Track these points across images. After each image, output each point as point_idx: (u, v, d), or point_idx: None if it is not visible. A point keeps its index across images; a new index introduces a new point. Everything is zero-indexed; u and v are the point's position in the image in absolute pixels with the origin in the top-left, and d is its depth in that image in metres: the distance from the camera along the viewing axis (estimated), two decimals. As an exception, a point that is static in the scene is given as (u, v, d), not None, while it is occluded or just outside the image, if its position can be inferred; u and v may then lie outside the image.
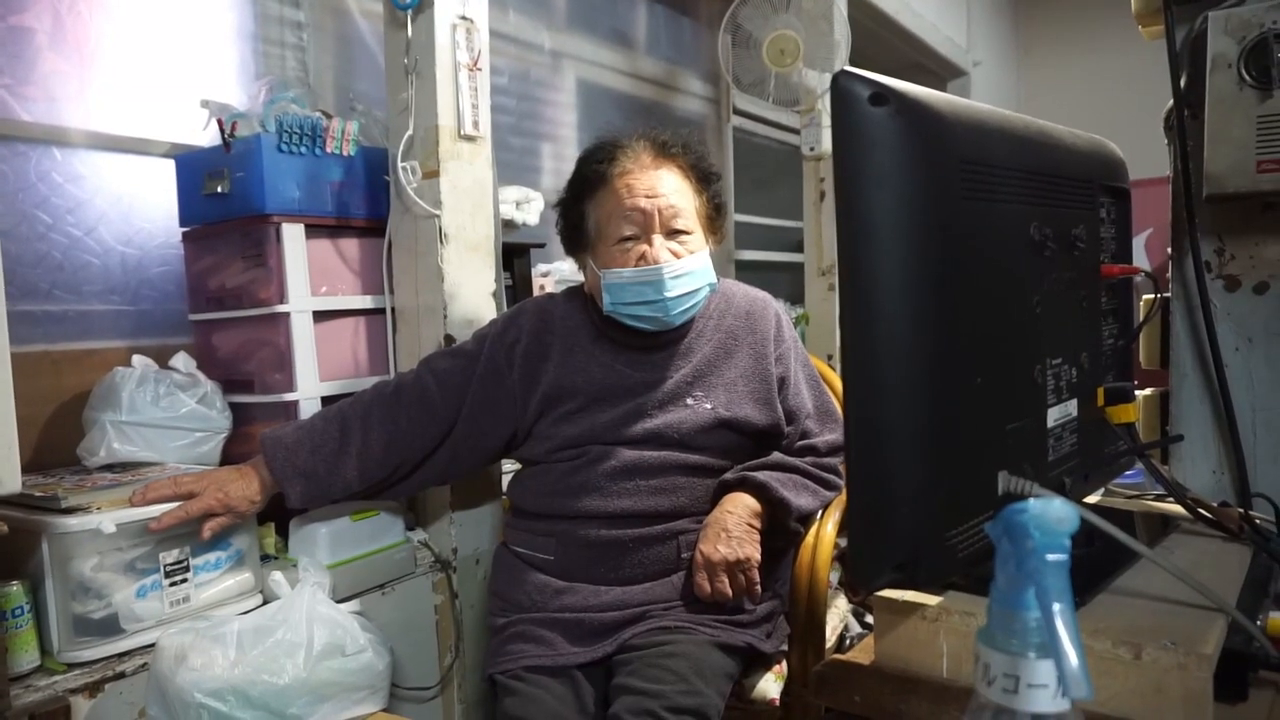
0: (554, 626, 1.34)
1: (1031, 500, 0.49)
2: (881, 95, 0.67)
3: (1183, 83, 1.04)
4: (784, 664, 1.43)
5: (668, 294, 1.32)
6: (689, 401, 1.38)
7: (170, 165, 1.70)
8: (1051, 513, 0.48)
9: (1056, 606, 0.49)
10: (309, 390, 1.59)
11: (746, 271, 3.69)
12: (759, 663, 1.42)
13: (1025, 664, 0.48)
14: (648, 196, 1.33)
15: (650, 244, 1.33)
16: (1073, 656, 0.46)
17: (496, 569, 1.51)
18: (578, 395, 1.38)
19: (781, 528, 1.38)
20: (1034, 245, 0.82)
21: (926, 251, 0.69)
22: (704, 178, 1.42)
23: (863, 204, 0.68)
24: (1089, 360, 0.94)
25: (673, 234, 1.35)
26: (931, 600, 0.80)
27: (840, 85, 0.68)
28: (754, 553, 1.29)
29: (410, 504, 1.71)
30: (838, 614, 1.62)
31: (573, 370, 1.39)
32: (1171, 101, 1.07)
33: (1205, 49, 0.99)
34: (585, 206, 1.40)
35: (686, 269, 1.33)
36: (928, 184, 0.68)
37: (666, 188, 1.35)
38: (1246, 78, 0.95)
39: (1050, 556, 0.49)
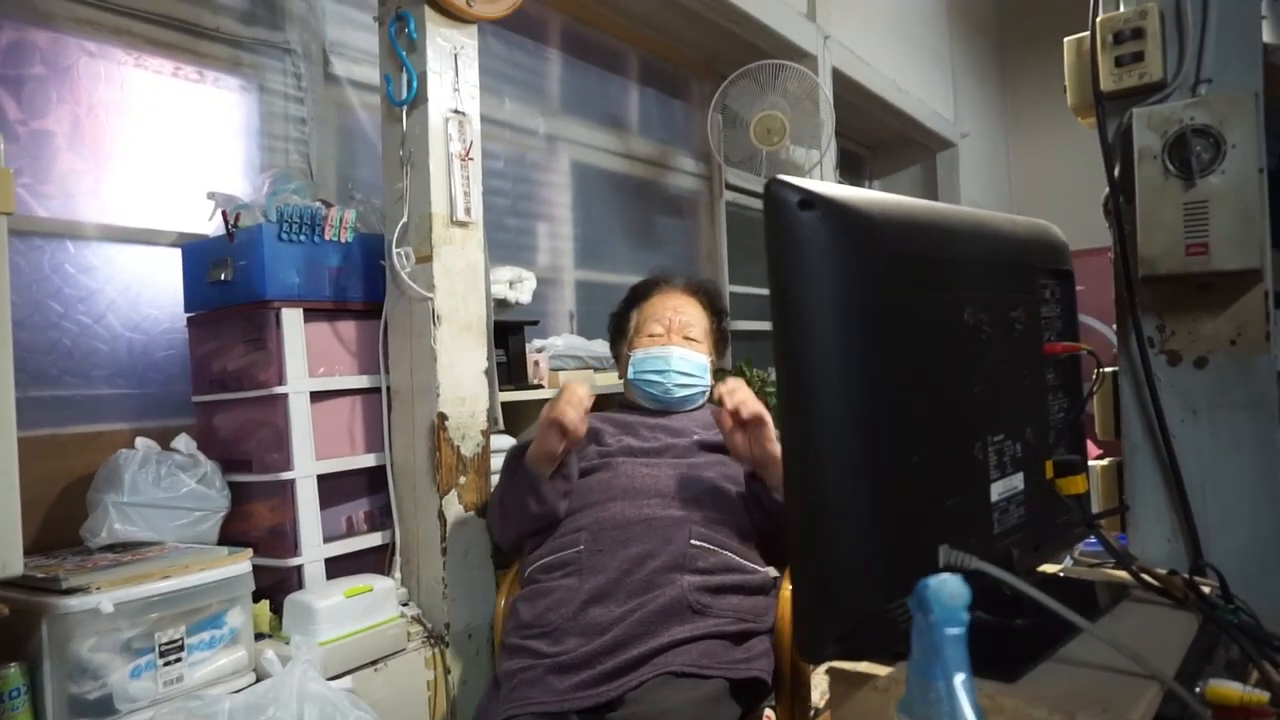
0: (562, 672, 1.39)
1: (931, 578, 0.54)
2: (809, 201, 0.74)
3: (1116, 171, 1.11)
4: (775, 717, 1.46)
5: (673, 367, 1.77)
6: (694, 440, 1.74)
7: (177, 254, 1.79)
8: (946, 589, 0.53)
9: (958, 677, 0.53)
10: (305, 469, 1.64)
11: (740, 341, 3.75)
12: (752, 713, 1.45)
13: (935, 731, 0.52)
14: (675, 310, 1.85)
15: (670, 340, 1.81)
16: (968, 724, 0.50)
17: (513, 609, 1.55)
18: (612, 430, 1.77)
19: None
20: (969, 329, 0.88)
21: (856, 340, 0.75)
22: (717, 311, 1.93)
23: (794, 299, 0.74)
24: (1035, 435, 0.98)
25: (687, 340, 1.83)
26: (882, 671, 0.83)
27: (771, 192, 0.75)
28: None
29: (404, 579, 1.75)
30: (826, 680, 1.64)
31: (609, 420, 1.81)
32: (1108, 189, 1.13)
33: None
34: (631, 312, 1.92)
35: (691, 356, 1.80)
36: (854, 279, 0.74)
37: (688, 308, 1.87)
38: (1170, 168, 1.02)
39: (949, 630, 0.53)
